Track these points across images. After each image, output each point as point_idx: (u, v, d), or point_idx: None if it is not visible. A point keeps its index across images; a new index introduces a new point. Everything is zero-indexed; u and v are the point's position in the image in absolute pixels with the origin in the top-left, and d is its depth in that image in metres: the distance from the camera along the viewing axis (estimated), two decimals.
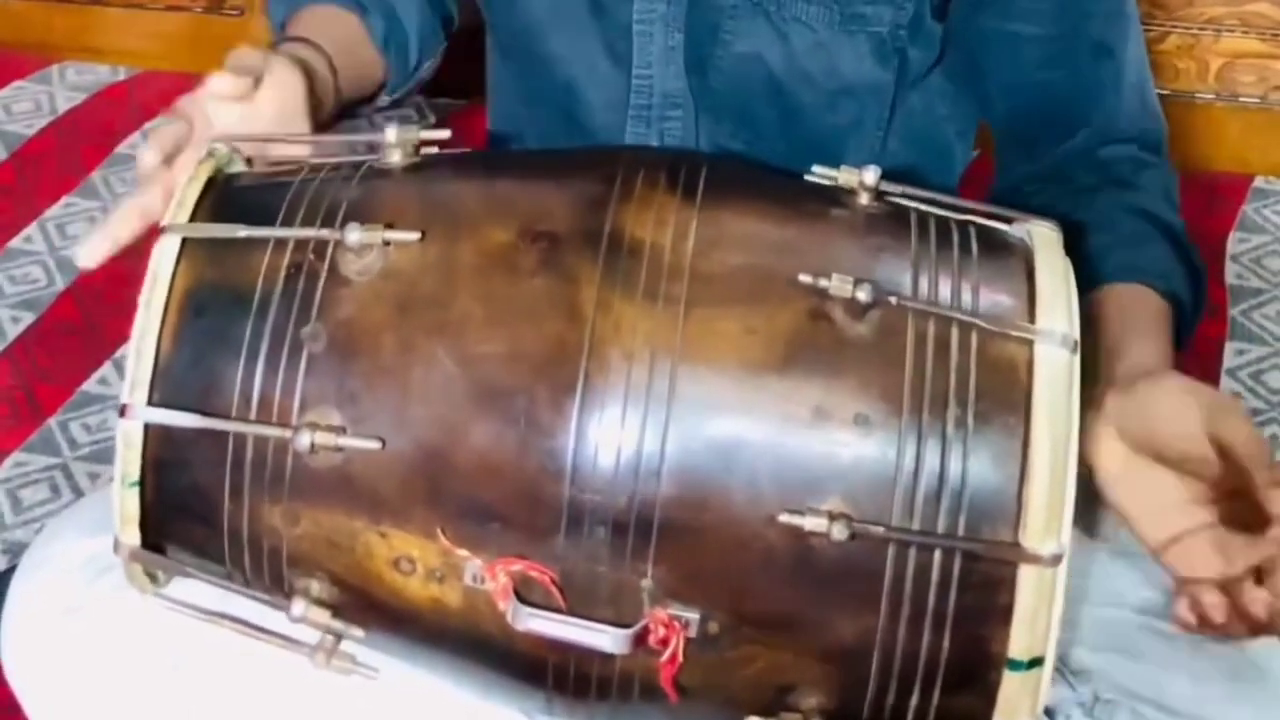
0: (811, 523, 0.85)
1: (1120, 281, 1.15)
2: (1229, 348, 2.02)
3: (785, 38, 1.24)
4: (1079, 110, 1.25)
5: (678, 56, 1.27)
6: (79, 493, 1.78)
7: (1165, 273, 1.17)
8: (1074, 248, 1.03)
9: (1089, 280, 1.13)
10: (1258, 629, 0.92)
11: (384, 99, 1.32)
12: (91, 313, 2.02)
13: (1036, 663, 0.87)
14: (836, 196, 0.96)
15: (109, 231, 1.00)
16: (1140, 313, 1.13)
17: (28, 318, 2.04)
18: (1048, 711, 1.05)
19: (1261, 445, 0.93)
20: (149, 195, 1.00)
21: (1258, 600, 0.90)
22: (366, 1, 1.29)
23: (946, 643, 0.87)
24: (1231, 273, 2.15)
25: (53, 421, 1.88)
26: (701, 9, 1.25)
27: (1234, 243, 2.20)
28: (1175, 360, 1.12)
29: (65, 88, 2.49)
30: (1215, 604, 0.91)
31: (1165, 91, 2.31)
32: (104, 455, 1.81)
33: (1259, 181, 2.31)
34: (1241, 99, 2.34)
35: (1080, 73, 1.25)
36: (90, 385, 1.93)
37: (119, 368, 1.91)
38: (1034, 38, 1.23)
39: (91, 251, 1.00)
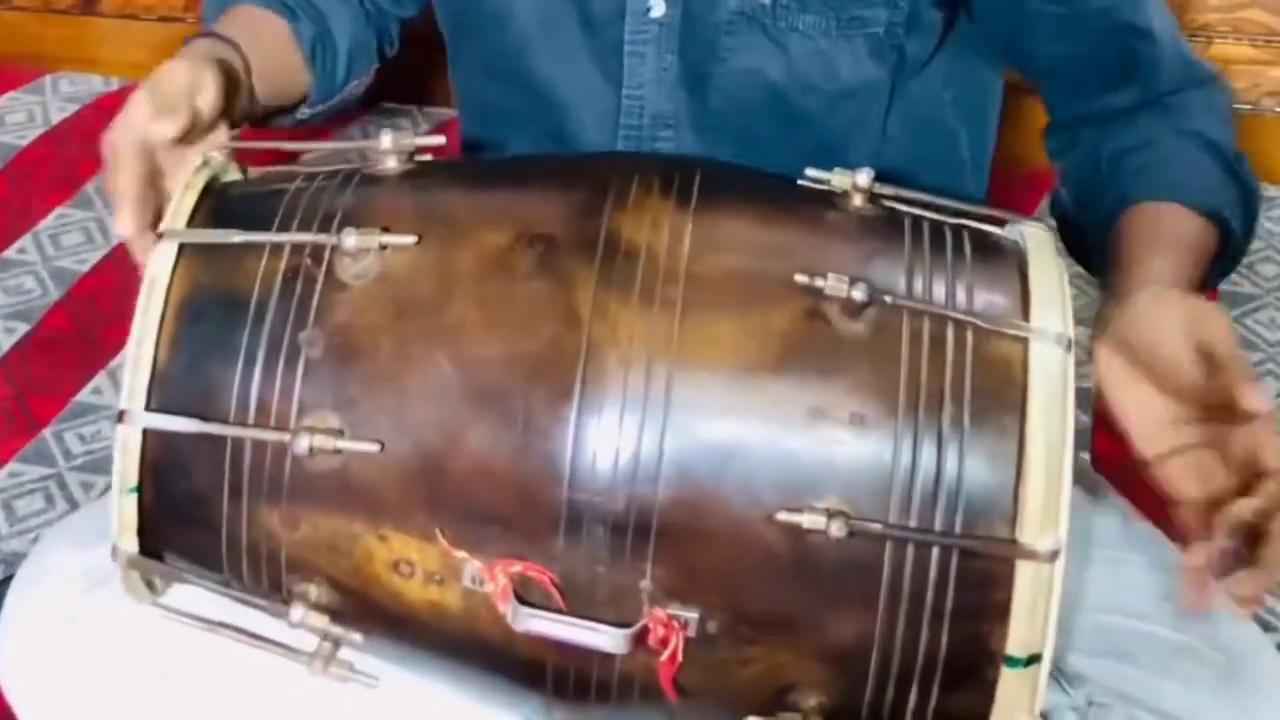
0: (809, 520, 0.85)
1: (1153, 200, 1.14)
2: None
3: (784, 49, 1.24)
4: (1118, 78, 1.25)
5: (670, 77, 1.26)
6: (73, 503, 1.78)
7: (1203, 190, 1.16)
8: (1118, 172, 1.02)
9: (1131, 199, 1.14)
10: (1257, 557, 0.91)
11: (304, 111, 1.31)
12: (85, 323, 2.02)
13: (1034, 659, 0.87)
14: (830, 199, 0.96)
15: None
16: (1161, 230, 1.12)
17: (21, 328, 2.04)
18: (1043, 716, 1.05)
19: (1238, 350, 0.94)
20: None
21: (1244, 507, 0.90)
22: (297, 7, 1.28)
23: (944, 640, 0.87)
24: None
25: (47, 432, 1.88)
26: (697, 28, 1.24)
27: None
28: (1201, 279, 1.11)
29: (58, 98, 2.49)
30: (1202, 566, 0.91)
31: None
32: (98, 465, 1.81)
33: None
34: (1234, 105, 2.34)
35: (1111, 47, 1.24)
36: (84, 395, 1.93)
37: (113, 378, 1.91)
38: (1059, 15, 1.23)
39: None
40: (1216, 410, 0.95)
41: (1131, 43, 1.24)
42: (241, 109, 1.16)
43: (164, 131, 1.02)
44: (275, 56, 1.24)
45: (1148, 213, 1.14)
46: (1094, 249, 1.19)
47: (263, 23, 1.27)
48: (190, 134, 1.04)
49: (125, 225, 1.01)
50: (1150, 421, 0.98)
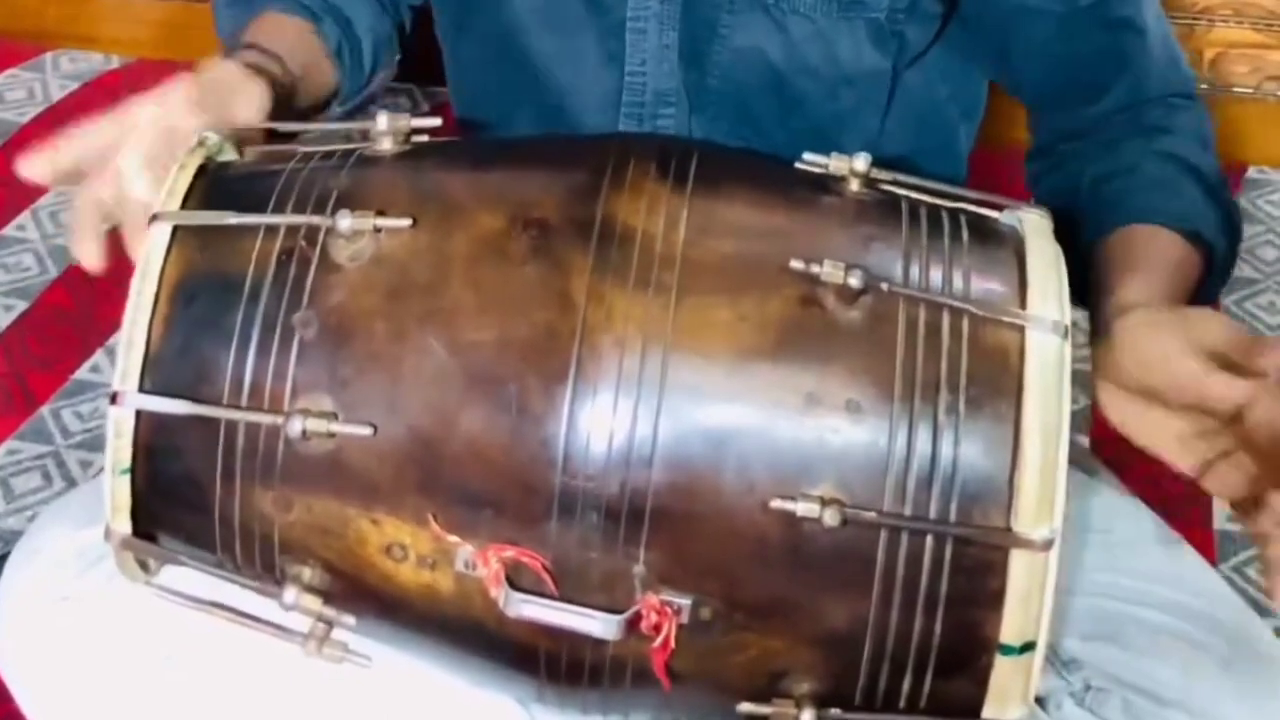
0: (803, 508, 0.85)
1: (1136, 223, 1.13)
2: None
3: (784, 29, 1.24)
4: (1105, 79, 1.24)
5: (672, 54, 1.26)
6: (71, 481, 1.79)
7: (1185, 213, 1.15)
8: (1098, 199, 1.02)
9: (1109, 227, 1.13)
10: None
11: (336, 109, 1.31)
12: (84, 300, 2.03)
13: (1029, 647, 0.87)
14: (827, 184, 0.96)
15: (82, 229, 1.00)
16: (1144, 252, 1.11)
17: (20, 305, 2.04)
18: (1039, 700, 1.05)
19: (1241, 336, 0.94)
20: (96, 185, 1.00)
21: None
22: (319, 10, 1.28)
23: (939, 627, 0.87)
24: None
25: (45, 409, 1.88)
26: (698, 5, 1.24)
27: None
28: (1187, 299, 1.10)
29: (58, 76, 2.49)
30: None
31: None
32: (96, 443, 1.81)
33: (1252, 172, 2.31)
34: (1235, 89, 2.34)
35: (1103, 44, 1.24)
36: (83, 373, 1.93)
37: (111, 355, 1.91)
38: (1051, 13, 1.23)
39: (85, 253, 1.00)
40: (1237, 416, 0.94)
41: (1124, 38, 1.24)
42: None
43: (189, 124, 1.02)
44: (306, 62, 1.24)
45: (1129, 236, 1.13)
46: (1074, 274, 1.19)
47: (288, 28, 1.26)
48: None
49: (137, 187, 1.00)
50: (1177, 440, 0.97)
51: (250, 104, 1.07)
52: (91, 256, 1.00)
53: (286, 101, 1.15)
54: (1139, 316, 0.99)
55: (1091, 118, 1.25)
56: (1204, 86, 2.34)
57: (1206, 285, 1.16)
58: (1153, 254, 1.11)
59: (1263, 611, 1.61)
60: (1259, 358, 0.92)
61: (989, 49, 1.28)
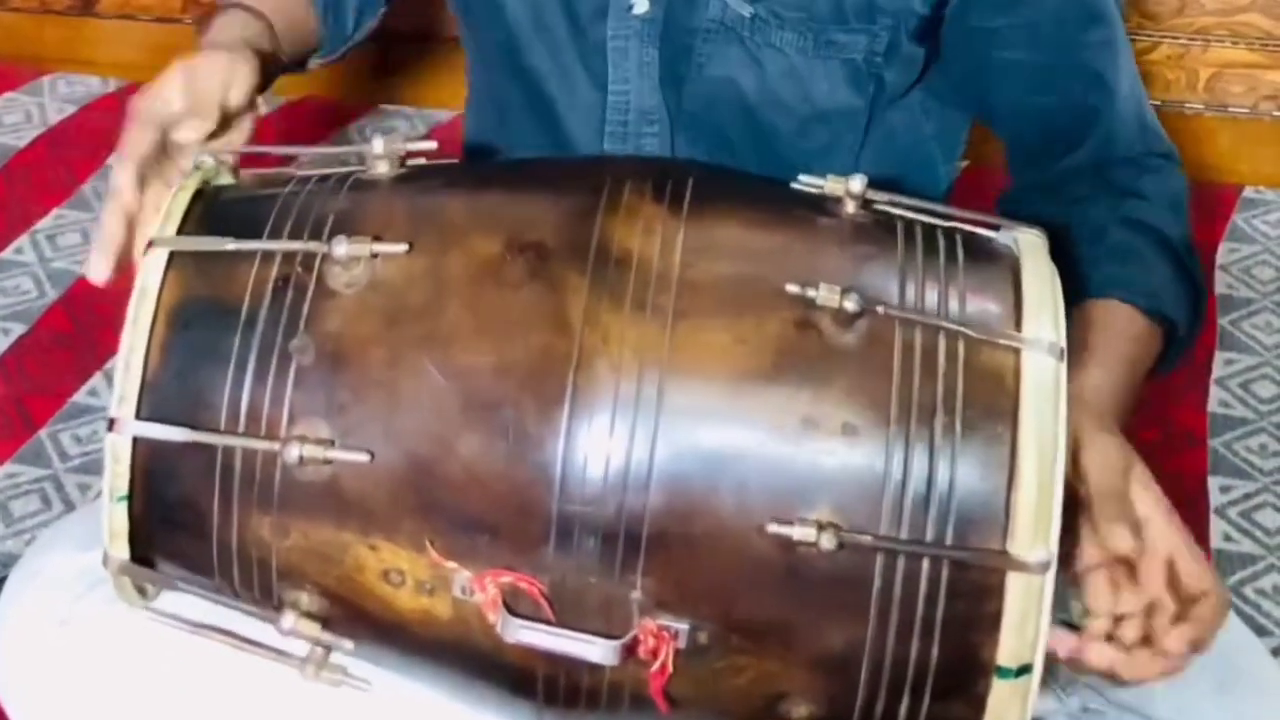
0: (800, 533, 0.85)
1: (1100, 297, 1.13)
2: (1218, 357, 2.02)
3: (758, 63, 1.24)
4: (1077, 133, 1.24)
5: (652, 72, 1.26)
6: (70, 504, 1.78)
7: (1149, 289, 1.15)
8: (1062, 261, 1.02)
9: (1073, 296, 1.13)
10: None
11: (315, 61, 1.32)
12: (82, 324, 2.03)
13: (1025, 670, 0.87)
14: (823, 205, 0.96)
15: (103, 242, 1.00)
16: (1100, 333, 1.11)
17: (18, 329, 2.04)
18: None
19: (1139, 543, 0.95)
20: (124, 197, 1.00)
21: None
22: None
23: (935, 651, 0.87)
24: (1221, 283, 2.15)
25: (43, 433, 1.88)
26: (675, 30, 1.25)
27: (1224, 253, 2.21)
28: (1144, 380, 1.11)
29: (56, 99, 2.49)
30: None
31: (1155, 102, 2.30)
32: (95, 467, 1.81)
33: (1248, 192, 2.31)
34: (1231, 109, 2.34)
35: (1074, 99, 1.24)
36: (81, 396, 1.93)
37: (110, 379, 1.91)
38: (1026, 64, 1.23)
39: (96, 267, 1.00)
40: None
41: (1095, 97, 1.24)
42: (269, 81, 1.16)
43: (188, 135, 1.03)
44: (292, 16, 1.25)
45: (1088, 312, 1.12)
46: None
47: None
48: (215, 130, 1.05)
49: (123, 179, 1.00)
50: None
51: (238, 90, 1.07)
52: (101, 273, 1.00)
53: (271, 68, 1.15)
54: (1084, 437, 0.99)
55: (1060, 173, 1.25)
56: (1200, 107, 2.35)
57: (1166, 357, 1.16)
58: (1111, 336, 1.11)
59: (1260, 631, 1.62)
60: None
61: (968, 96, 1.29)
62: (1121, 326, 1.13)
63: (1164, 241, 1.19)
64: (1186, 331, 1.18)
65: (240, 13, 1.18)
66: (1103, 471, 0.97)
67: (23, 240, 2.19)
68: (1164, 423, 1.88)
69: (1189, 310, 1.18)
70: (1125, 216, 1.20)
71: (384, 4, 1.38)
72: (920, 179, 1.32)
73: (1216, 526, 1.77)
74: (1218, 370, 2.00)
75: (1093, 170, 1.23)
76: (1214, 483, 1.85)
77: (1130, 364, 1.11)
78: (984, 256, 0.95)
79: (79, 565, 1.10)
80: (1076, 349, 1.06)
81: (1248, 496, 1.84)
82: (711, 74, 1.25)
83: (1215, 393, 1.96)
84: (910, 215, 0.96)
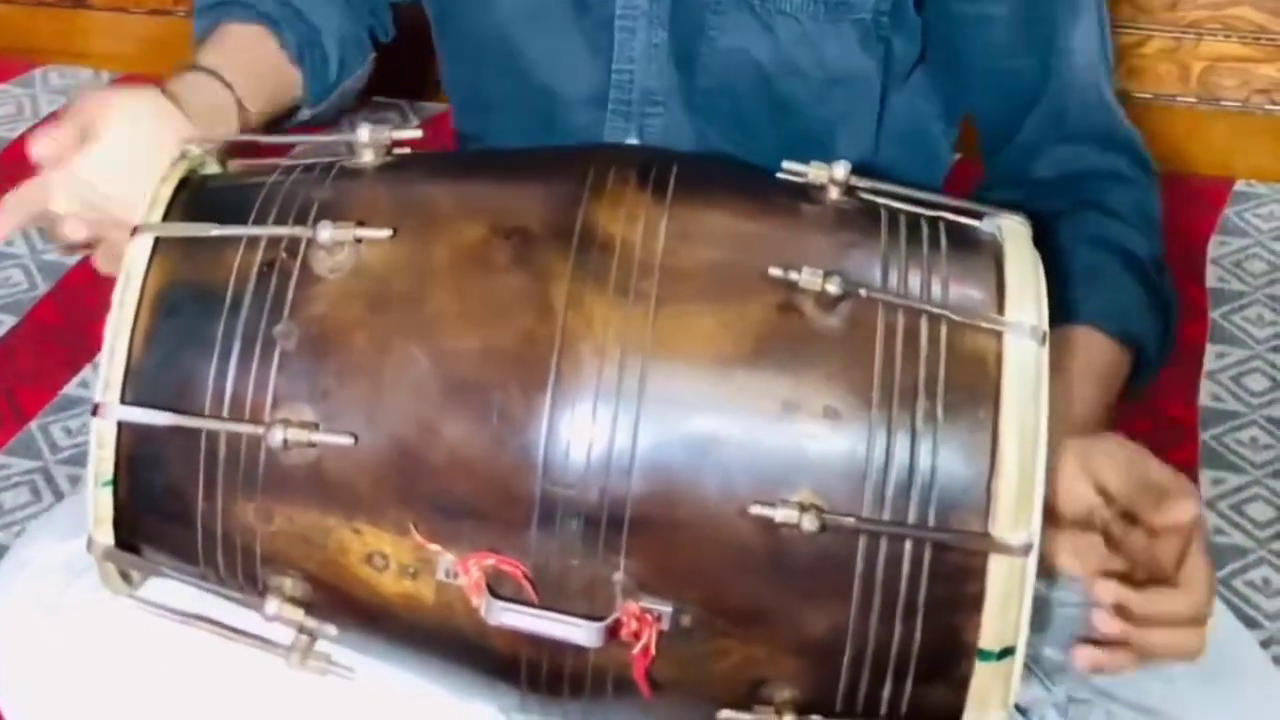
0: (782, 514, 0.85)
1: (1068, 320, 1.12)
2: (1210, 350, 2.03)
3: (771, 30, 1.24)
4: (1030, 95, 1.24)
5: (661, 54, 1.27)
6: (60, 496, 1.79)
7: (1118, 312, 1.15)
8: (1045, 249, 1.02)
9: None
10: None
11: (305, 112, 1.31)
12: (73, 316, 2.03)
13: (1007, 653, 0.87)
14: (807, 192, 0.96)
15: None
16: (1066, 358, 1.10)
17: (9, 321, 2.04)
18: (1022, 711, 1.05)
19: (1132, 488, 0.97)
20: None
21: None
22: (279, 15, 1.28)
23: (918, 633, 0.87)
24: (1212, 276, 2.16)
25: (34, 425, 1.88)
26: (686, 6, 1.25)
27: (1215, 246, 2.21)
28: (1114, 404, 1.12)
29: (48, 91, 2.49)
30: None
31: (1147, 95, 2.33)
32: (85, 458, 1.78)
33: (1240, 185, 2.32)
34: (1223, 102, 2.34)
35: (1035, 60, 1.24)
36: (71, 388, 1.93)
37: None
38: (1001, 19, 1.23)
39: None
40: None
41: (1051, 54, 1.23)
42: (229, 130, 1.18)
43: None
44: (264, 71, 1.25)
45: (1060, 340, 1.09)
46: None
47: (248, 38, 1.27)
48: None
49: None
50: (1068, 552, 1.00)
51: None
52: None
53: (227, 117, 1.17)
54: (1080, 442, 1.01)
55: (1018, 159, 1.24)
56: (1192, 100, 2.35)
57: (1136, 378, 1.16)
58: (1077, 361, 1.11)
59: (1249, 623, 1.62)
60: (1149, 514, 0.95)
61: (948, 63, 1.28)
62: (1089, 353, 1.12)
63: (1133, 261, 1.19)
64: (1156, 352, 1.17)
65: (207, 79, 1.19)
66: (1119, 469, 0.98)
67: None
68: (1155, 415, 1.88)
69: (1159, 329, 1.18)
70: (1094, 235, 1.19)
71: (371, 50, 1.37)
72: (925, 160, 1.33)
73: (1207, 519, 1.78)
74: (1209, 363, 2.01)
75: (1061, 181, 1.23)
76: (1205, 475, 1.85)
77: (1097, 388, 1.11)
78: (967, 243, 0.95)
79: (66, 554, 1.10)
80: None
81: (1238, 489, 1.84)
82: (725, 46, 1.25)
83: (1206, 386, 1.97)
84: (894, 203, 0.96)
